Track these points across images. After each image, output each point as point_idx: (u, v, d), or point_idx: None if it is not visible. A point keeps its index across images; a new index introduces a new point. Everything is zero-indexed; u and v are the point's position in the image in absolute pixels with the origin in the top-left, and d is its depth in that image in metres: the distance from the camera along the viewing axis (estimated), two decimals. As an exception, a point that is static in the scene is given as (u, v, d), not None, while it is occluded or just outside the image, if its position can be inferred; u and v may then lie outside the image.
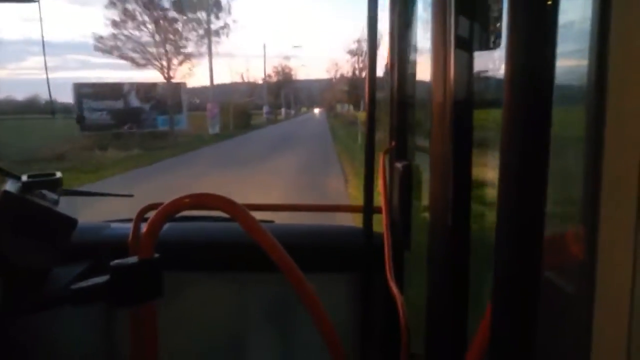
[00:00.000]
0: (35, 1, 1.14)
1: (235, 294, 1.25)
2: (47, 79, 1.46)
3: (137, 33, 20.36)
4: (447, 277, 0.57)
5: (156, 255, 0.81)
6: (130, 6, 19.97)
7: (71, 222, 0.99)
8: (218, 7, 23.14)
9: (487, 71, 0.65)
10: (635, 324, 0.36)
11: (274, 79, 57.54)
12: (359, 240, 1.23)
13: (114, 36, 20.07)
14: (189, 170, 10.41)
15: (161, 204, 0.82)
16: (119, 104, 17.96)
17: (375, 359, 1.21)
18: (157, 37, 20.60)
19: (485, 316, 0.51)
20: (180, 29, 21.25)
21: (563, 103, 0.43)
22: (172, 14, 20.82)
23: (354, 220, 3.22)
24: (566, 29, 0.39)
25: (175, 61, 21.08)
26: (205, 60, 24.63)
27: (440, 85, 0.55)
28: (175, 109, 19.19)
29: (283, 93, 56.23)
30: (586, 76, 0.40)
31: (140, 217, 1.15)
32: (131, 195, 1.57)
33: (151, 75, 21.99)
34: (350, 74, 41.25)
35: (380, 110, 1.28)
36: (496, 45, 0.58)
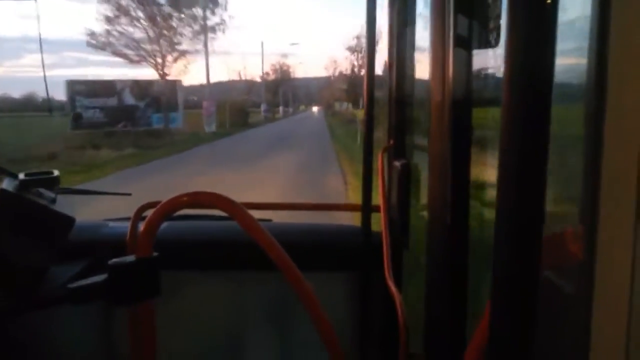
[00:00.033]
0: None
1: (233, 292, 1.25)
2: (44, 76, 1.45)
3: (130, 29, 20.05)
4: (446, 276, 0.57)
5: (154, 253, 0.81)
6: (124, 1, 19.62)
7: (69, 221, 0.99)
8: (214, 2, 22.80)
9: (486, 69, 0.65)
10: (634, 323, 0.36)
11: (272, 76, 57.47)
12: (358, 239, 1.23)
13: (108, 32, 19.77)
14: (183, 170, 10.25)
15: (159, 202, 0.82)
16: (113, 102, 17.50)
17: (373, 358, 1.21)
18: (151, 33, 20.27)
19: (484, 315, 0.51)
20: (175, 25, 20.95)
21: (563, 101, 0.43)
22: (167, 9, 20.50)
23: (352, 220, 3.22)
24: (566, 27, 0.39)
25: (170, 58, 20.80)
26: (202, 58, 24.32)
27: (439, 84, 0.55)
28: (170, 106, 18.91)
29: (281, 91, 56.16)
30: (585, 74, 0.39)
31: (138, 216, 1.15)
32: (129, 194, 1.57)
33: (149, 73, 21.81)
34: (349, 71, 41.12)
35: (379, 108, 1.27)
36: (495, 43, 0.58)
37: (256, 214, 0.86)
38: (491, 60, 0.60)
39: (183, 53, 21.48)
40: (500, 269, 0.41)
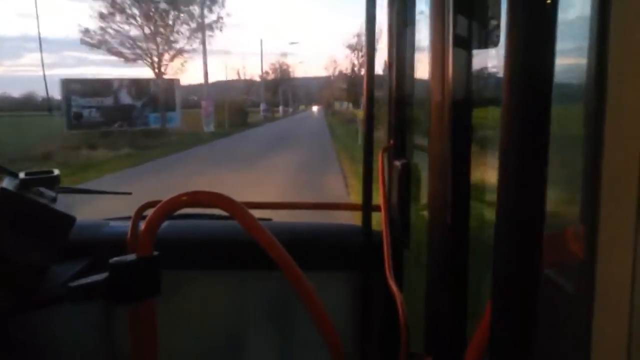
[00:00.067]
0: None
1: (234, 291, 1.25)
2: (44, 75, 1.45)
3: (126, 27, 19.52)
4: (446, 276, 0.57)
5: (155, 253, 0.81)
6: (119, -1, 18.98)
7: (69, 220, 0.99)
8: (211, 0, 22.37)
9: (486, 68, 0.65)
10: (636, 322, 0.36)
11: (272, 76, 57.37)
12: (358, 238, 1.23)
13: (103, 30, 19.18)
14: (180, 170, 10.08)
15: (159, 201, 0.82)
16: (109, 101, 17.25)
17: (374, 357, 1.22)
18: (147, 31, 19.71)
19: (485, 315, 0.51)
20: (171, 22, 20.40)
21: (563, 101, 0.43)
22: (163, 6, 19.88)
23: (353, 219, 3.21)
24: (566, 27, 0.39)
25: (166, 56, 20.25)
26: (201, 57, 23.89)
27: (439, 84, 0.55)
28: (168, 106, 18.60)
29: (281, 90, 56.13)
30: (585, 74, 0.40)
31: (139, 215, 1.15)
32: (129, 193, 1.57)
33: (150, 72, 21.37)
34: (349, 70, 40.90)
35: (379, 108, 1.27)
36: (495, 43, 0.58)
37: (256, 213, 0.86)
38: (494, 59, 0.60)
39: (180, 51, 20.98)
40: (501, 269, 0.41)
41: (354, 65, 39.47)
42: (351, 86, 38.19)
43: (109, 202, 1.68)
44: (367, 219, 1.24)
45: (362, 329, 1.21)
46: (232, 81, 51.05)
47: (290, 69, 62.19)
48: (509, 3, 0.38)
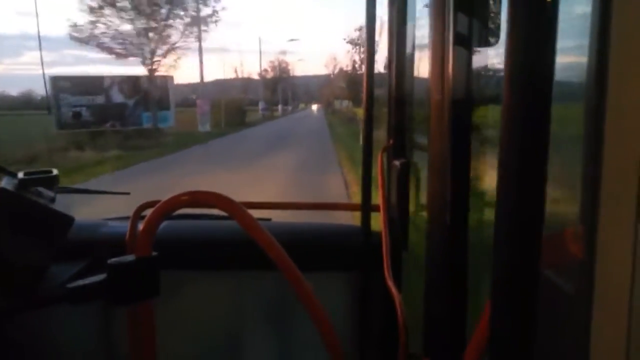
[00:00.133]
0: None
1: (233, 292, 1.25)
2: (44, 74, 1.45)
3: (117, 21, 18.34)
4: (446, 276, 0.57)
5: (153, 253, 0.80)
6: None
7: (68, 220, 0.99)
8: (205, -7, 21.00)
9: (486, 66, 0.65)
10: (634, 322, 0.35)
11: (271, 74, 57.26)
12: (357, 238, 1.23)
13: (92, 23, 17.95)
14: (171, 173, 9.77)
15: (158, 201, 0.82)
16: (100, 99, 16.43)
17: (373, 357, 1.21)
18: (138, 24, 18.58)
19: (484, 315, 0.50)
20: (164, 16, 19.28)
21: (563, 100, 0.43)
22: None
23: (352, 219, 3.20)
24: (566, 25, 0.39)
25: (159, 52, 19.11)
26: (199, 55, 23.43)
27: (439, 83, 0.55)
28: (162, 104, 17.75)
29: (280, 89, 56.10)
30: (586, 73, 0.39)
31: (138, 215, 1.15)
32: (128, 193, 1.57)
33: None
34: (350, 67, 40.50)
35: (379, 107, 1.27)
36: (495, 42, 0.58)
37: (255, 213, 0.86)
38: (495, 58, 0.60)
39: (173, 47, 19.81)
40: (500, 269, 0.41)
41: (354, 62, 39.05)
42: (351, 84, 37.93)
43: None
44: (366, 219, 1.24)
45: (360, 330, 1.21)
46: (232, 79, 51.02)
47: (290, 67, 62.21)
48: (510, 1, 0.38)
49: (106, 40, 18.39)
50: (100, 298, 0.79)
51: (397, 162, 1.17)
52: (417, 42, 1.20)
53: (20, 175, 1.00)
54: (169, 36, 19.60)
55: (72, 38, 18.18)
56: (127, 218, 1.18)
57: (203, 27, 21.38)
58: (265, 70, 55.68)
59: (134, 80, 17.78)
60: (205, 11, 21.25)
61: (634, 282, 0.35)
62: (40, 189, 1.01)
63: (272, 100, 50.93)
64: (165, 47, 19.37)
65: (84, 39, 18.24)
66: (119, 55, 18.71)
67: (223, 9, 24.24)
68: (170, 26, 19.62)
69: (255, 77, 51.77)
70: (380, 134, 1.37)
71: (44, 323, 1.07)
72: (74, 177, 8.98)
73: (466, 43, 0.53)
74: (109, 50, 18.59)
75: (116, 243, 1.11)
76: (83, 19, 18.35)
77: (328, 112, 48.85)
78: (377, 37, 1.19)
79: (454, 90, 0.52)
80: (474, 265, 0.57)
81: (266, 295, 1.24)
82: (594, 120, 0.36)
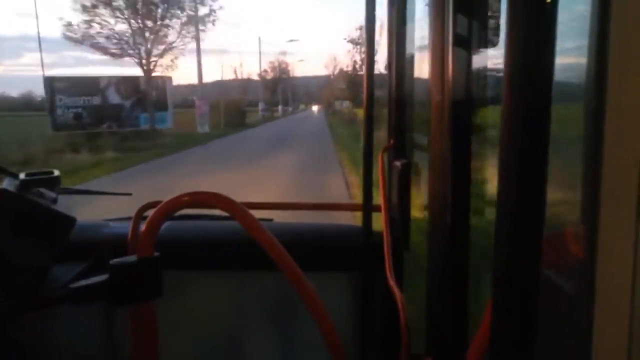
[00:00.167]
0: None
1: (235, 292, 1.25)
2: (44, 76, 1.45)
3: (111, 20, 17.97)
4: (447, 276, 0.57)
5: (156, 254, 0.81)
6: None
7: (70, 221, 0.99)
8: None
9: (486, 66, 0.65)
10: (636, 322, 0.36)
11: (271, 74, 57.17)
12: (359, 238, 1.23)
13: (87, 22, 17.52)
14: (171, 174, 9.61)
15: (160, 202, 0.82)
16: (97, 100, 16.24)
17: (374, 358, 1.21)
18: (134, 24, 18.17)
19: (486, 315, 0.51)
20: (159, 15, 18.84)
21: (563, 101, 0.43)
22: None
23: (354, 220, 3.20)
24: (566, 26, 0.39)
25: (155, 52, 18.72)
26: (200, 56, 23.08)
27: (439, 83, 0.55)
28: (159, 105, 17.55)
29: (280, 89, 56.08)
30: (585, 73, 0.39)
31: (139, 216, 1.15)
32: (129, 194, 1.57)
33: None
34: (350, 68, 40.23)
35: (380, 108, 1.27)
36: (495, 43, 0.58)
37: (257, 213, 0.86)
38: (495, 58, 0.60)
39: (170, 46, 19.40)
40: (501, 269, 0.41)
41: (355, 62, 38.74)
42: (352, 84, 37.76)
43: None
44: (367, 220, 1.24)
45: (362, 330, 1.21)
46: (232, 80, 50.97)
47: (290, 68, 62.17)
48: (509, 2, 0.38)
49: (101, 40, 18.04)
50: (103, 299, 0.79)
51: (397, 163, 1.17)
52: (417, 42, 1.20)
53: (22, 176, 1.00)
54: (165, 36, 19.22)
55: (66, 38, 17.77)
56: (128, 219, 1.18)
57: (200, 27, 21.02)
58: (265, 71, 55.65)
59: (131, 81, 17.49)
60: (202, 10, 20.90)
61: (635, 282, 0.35)
62: (42, 189, 1.01)
63: (272, 101, 50.91)
64: (161, 47, 19.04)
65: (78, 38, 17.87)
66: (114, 56, 18.33)
67: (220, 7, 23.77)
68: (167, 26, 19.25)
69: (255, 78, 51.70)
70: (381, 135, 1.37)
71: (46, 324, 1.07)
72: (73, 179, 8.86)
73: (466, 44, 0.53)
74: (104, 50, 18.20)
75: (118, 244, 1.11)
76: (77, 18, 18.00)
77: (328, 113, 48.80)
78: (377, 38, 1.19)
79: (454, 90, 0.52)
80: (475, 265, 0.57)
81: (268, 296, 1.24)
82: (594, 120, 0.36)
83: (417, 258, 1.16)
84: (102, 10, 17.70)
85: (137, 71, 18.42)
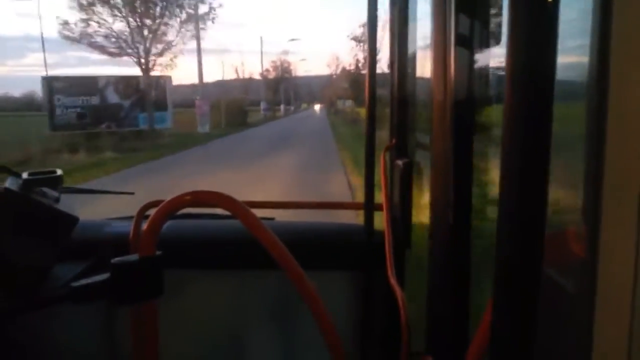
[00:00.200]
0: None
1: (236, 291, 1.26)
2: (47, 76, 1.46)
3: (109, 19, 17.56)
4: (448, 275, 0.57)
5: (157, 252, 0.81)
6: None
7: (72, 220, 0.99)
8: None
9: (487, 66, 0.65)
10: (637, 322, 0.36)
11: (273, 74, 57.11)
12: (360, 237, 1.23)
13: (84, 22, 17.11)
14: (171, 174, 9.49)
15: (162, 201, 0.82)
16: (96, 100, 16.04)
17: (375, 357, 1.21)
18: (132, 22, 17.70)
19: (486, 314, 0.51)
20: (158, 13, 18.39)
21: (564, 100, 0.43)
22: None
23: (356, 219, 3.20)
24: (567, 25, 0.39)
25: (154, 51, 18.30)
26: (201, 56, 22.85)
27: (441, 82, 0.55)
28: (159, 105, 17.28)
29: (282, 89, 56.06)
30: (587, 72, 0.39)
31: (141, 215, 1.15)
32: (132, 193, 1.57)
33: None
34: (353, 66, 39.95)
35: (382, 107, 1.27)
36: (497, 42, 0.58)
37: (258, 212, 0.86)
38: (496, 58, 0.60)
39: (169, 45, 18.93)
40: (503, 268, 0.41)
41: (357, 60, 38.42)
42: (354, 83, 37.60)
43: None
44: (369, 218, 1.24)
45: (363, 329, 1.21)
46: (234, 80, 50.99)
47: (292, 67, 62.14)
48: (511, 1, 0.38)
49: (99, 39, 17.70)
50: (104, 298, 0.79)
51: (399, 162, 1.17)
52: (419, 42, 1.20)
53: (25, 175, 1.00)
54: (164, 34, 18.85)
55: (63, 37, 17.40)
56: (130, 218, 1.19)
57: (200, 25, 20.70)
58: (267, 71, 55.59)
59: (130, 80, 17.23)
60: (201, 9, 20.51)
61: (636, 282, 0.35)
62: (45, 189, 1.02)
63: (274, 101, 50.89)
64: (160, 46, 18.68)
65: (75, 37, 17.50)
66: (112, 55, 18.01)
67: (220, 5, 23.27)
68: (166, 24, 18.87)
69: (257, 77, 51.69)
70: (383, 134, 1.37)
71: (47, 323, 1.07)
72: (75, 177, 8.87)
73: (468, 43, 0.53)
74: (102, 49, 17.88)
75: (120, 243, 1.11)
76: (74, 16, 17.53)
77: (331, 112, 48.76)
78: (379, 37, 1.19)
79: (456, 90, 0.52)
80: (476, 264, 0.57)
81: (269, 295, 1.25)
82: (596, 119, 0.36)
83: (418, 257, 1.16)
84: (100, 8, 17.44)
85: (139, 71, 18.22)
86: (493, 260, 0.42)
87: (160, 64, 18.79)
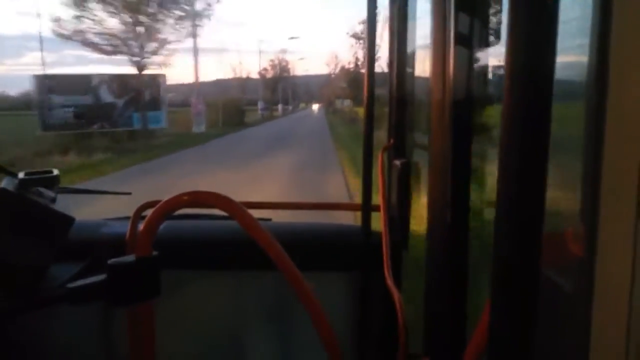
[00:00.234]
0: None
1: (233, 292, 1.25)
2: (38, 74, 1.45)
3: (103, 15, 17.08)
4: (446, 275, 0.57)
5: (154, 253, 0.80)
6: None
7: (68, 220, 0.99)
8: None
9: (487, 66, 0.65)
10: (634, 322, 0.35)
11: (271, 73, 57.00)
12: (357, 238, 1.23)
13: (76, 18, 16.60)
14: (169, 174, 9.43)
15: (158, 201, 0.82)
16: (89, 99, 15.53)
17: (372, 358, 1.21)
18: (126, 18, 17.26)
19: (484, 314, 0.50)
20: (153, 10, 17.98)
21: (563, 99, 0.42)
22: None
23: (354, 220, 3.20)
24: (567, 25, 0.39)
25: (149, 49, 17.94)
26: (200, 55, 22.55)
27: (440, 82, 0.55)
28: (153, 104, 16.86)
29: (280, 88, 56.00)
30: (586, 72, 0.39)
31: (138, 215, 1.15)
32: (129, 193, 1.57)
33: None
34: (352, 64, 39.75)
35: (381, 107, 1.27)
36: (496, 41, 0.58)
37: (256, 213, 0.86)
38: (496, 57, 0.60)
39: (164, 43, 18.55)
40: (500, 268, 0.41)
41: (357, 58, 38.12)
42: (353, 82, 37.49)
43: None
44: (366, 219, 1.24)
45: (360, 330, 1.21)
46: (232, 79, 50.91)
47: (290, 66, 62.06)
48: (510, 0, 0.38)
49: (92, 36, 17.23)
50: (100, 298, 0.79)
51: (397, 162, 1.17)
52: (418, 41, 1.20)
53: (21, 175, 1.00)
54: (158, 31, 18.42)
55: (55, 33, 16.97)
56: (127, 218, 1.18)
57: (197, 22, 20.27)
58: (265, 70, 55.46)
59: (123, 78, 16.84)
60: (198, 5, 20.04)
61: (634, 281, 0.35)
62: (41, 189, 1.01)
63: (272, 100, 50.80)
64: (154, 44, 18.29)
65: (68, 35, 17.00)
66: (105, 52, 17.61)
67: (218, 1, 22.93)
68: (160, 20, 18.43)
69: (255, 76, 51.56)
70: (381, 134, 1.37)
71: (44, 323, 1.07)
72: (72, 177, 8.74)
73: (467, 42, 0.53)
74: (94, 46, 17.44)
75: (116, 243, 1.11)
76: (67, 13, 17.30)
77: (329, 112, 48.78)
78: (378, 36, 1.19)
79: (454, 89, 0.52)
80: (474, 265, 0.57)
81: (266, 295, 1.24)
82: (595, 119, 0.36)
83: (416, 258, 1.16)
84: (93, 4, 16.93)
85: (135, 69, 17.99)
86: (491, 260, 0.41)
87: (155, 62, 18.49)
